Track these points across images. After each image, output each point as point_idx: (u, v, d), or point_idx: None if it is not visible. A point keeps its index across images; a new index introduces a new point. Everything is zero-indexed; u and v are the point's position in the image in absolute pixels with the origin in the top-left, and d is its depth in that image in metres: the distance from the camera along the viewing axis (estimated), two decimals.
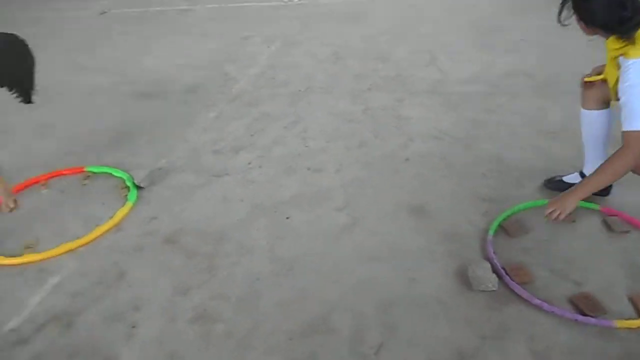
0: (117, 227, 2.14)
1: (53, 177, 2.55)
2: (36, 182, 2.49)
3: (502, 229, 1.97)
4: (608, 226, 1.95)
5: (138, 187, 2.39)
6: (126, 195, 2.35)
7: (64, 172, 2.58)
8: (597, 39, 1.72)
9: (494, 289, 1.66)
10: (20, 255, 1.97)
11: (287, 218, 2.14)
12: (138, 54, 4.48)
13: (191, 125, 3.05)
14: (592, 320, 1.52)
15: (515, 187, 2.24)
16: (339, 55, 4.05)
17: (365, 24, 4.80)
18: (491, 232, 1.91)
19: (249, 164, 2.59)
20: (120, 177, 2.50)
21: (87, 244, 2.03)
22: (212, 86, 3.61)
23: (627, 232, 1.93)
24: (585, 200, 1.73)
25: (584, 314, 1.55)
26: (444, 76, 3.53)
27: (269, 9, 5.72)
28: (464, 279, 1.73)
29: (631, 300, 1.61)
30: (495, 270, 1.72)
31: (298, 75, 3.72)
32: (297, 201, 2.25)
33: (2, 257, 1.95)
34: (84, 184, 2.51)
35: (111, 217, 2.18)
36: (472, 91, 3.26)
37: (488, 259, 1.79)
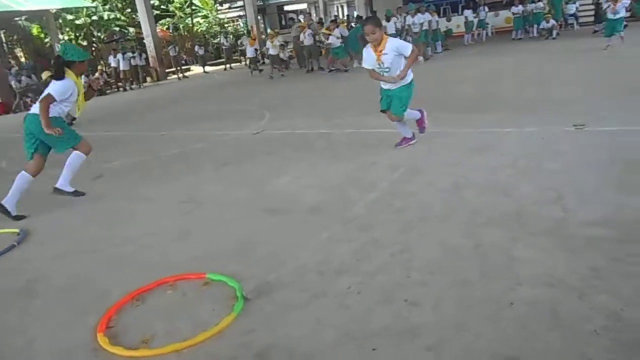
0: (220, 334, 2.35)
1: (179, 279, 2.91)
2: (165, 283, 2.87)
3: None
4: None
5: (245, 299, 2.62)
6: (233, 305, 2.58)
7: (190, 277, 2.93)
8: None
9: None
10: (136, 349, 2.26)
11: (374, 349, 2.16)
12: (275, 172, 5.03)
13: (305, 244, 3.29)
14: None
15: (633, 353, 1.99)
16: (459, 186, 4.10)
17: (492, 157, 4.82)
18: None
19: (349, 288, 2.69)
20: (233, 287, 2.76)
21: (190, 346, 2.26)
22: (331, 208, 3.88)
23: None
24: None
25: None
26: (568, 216, 3.35)
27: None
28: None
29: None
30: None
31: (415, 203, 3.83)
32: (387, 333, 2.26)
33: (122, 348, 2.26)
34: (203, 289, 2.82)
35: (216, 324, 2.40)
36: (597, 235, 3.04)
37: None
